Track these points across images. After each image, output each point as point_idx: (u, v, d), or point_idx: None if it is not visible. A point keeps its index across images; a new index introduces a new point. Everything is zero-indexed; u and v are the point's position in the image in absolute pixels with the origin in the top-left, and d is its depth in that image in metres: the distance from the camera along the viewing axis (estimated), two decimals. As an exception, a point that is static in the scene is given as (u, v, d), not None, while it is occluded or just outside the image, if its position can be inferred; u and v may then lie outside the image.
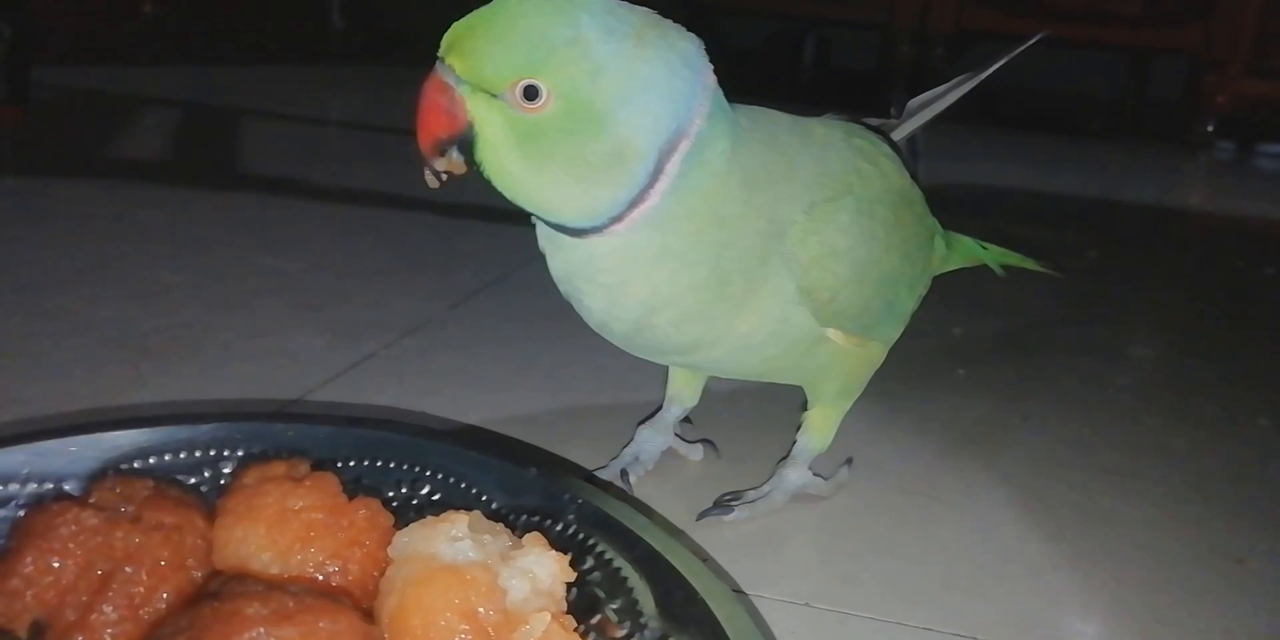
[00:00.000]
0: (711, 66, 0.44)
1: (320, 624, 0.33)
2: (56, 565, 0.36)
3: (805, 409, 0.58)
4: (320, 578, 0.38)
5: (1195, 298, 1.21)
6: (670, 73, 0.42)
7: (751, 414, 0.69)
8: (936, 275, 0.61)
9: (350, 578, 0.38)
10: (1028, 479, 0.64)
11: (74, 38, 2.06)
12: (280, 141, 1.69)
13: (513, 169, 0.42)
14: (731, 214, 0.45)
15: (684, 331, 0.47)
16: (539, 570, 0.37)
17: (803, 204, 0.47)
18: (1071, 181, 2.07)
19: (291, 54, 2.53)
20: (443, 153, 0.43)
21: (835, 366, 0.53)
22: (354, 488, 0.43)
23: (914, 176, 0.58)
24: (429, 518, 0.38)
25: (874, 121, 0.60)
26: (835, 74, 2.93)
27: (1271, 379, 0.88)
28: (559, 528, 0.42)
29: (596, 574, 0.40)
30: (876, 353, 0.55)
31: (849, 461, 0.61)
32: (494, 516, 0.42)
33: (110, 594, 0.36)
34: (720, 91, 0.44)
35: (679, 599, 0.37)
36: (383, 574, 0.37)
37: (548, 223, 0.45)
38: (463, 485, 0.45)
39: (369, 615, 0.36)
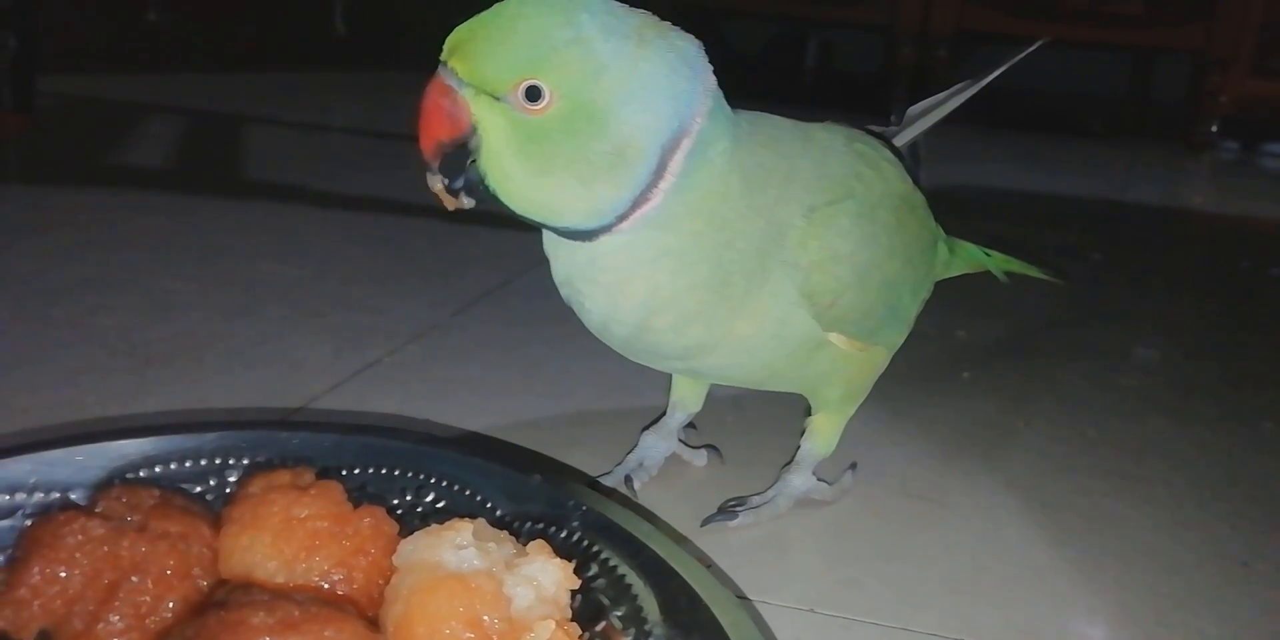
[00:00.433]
0: (711, 67, 0.44)
1: (326, 633, 0.33)
2: (63, 575, 0.36)
3: (809, 414, 0.58)
4: (326, 586, 0.38)
5: (1199, 299, 1.21)
6: (671, 71, 0.42)
7: (755, 419, 0.69)
8: (939, 281, 0.61)
9: (355, 586, 0.38)
10: (1032, 482, 0.64)
11: (78, 45, 2.07)
12: (284, 148, 1.70)
13: (516, 172, 0.42)
14: (732, 214, 0.45)
15: (684, 334, 0.47)
16: (543, 578, 0.37)
17: (803, 207, 0.47)
18: (1074, 183, 2.06)
19: (295, 60, 2.54)
20: (445, 156, 0.43)
21: (838, 372, 0.53)
22: (359, 496, 0.44)
23: (916, 182, 0.58)
24: (433, 526, 0.38)
25: (875, 128, 0.60)
26: (838, 76, 2.93)
27: (1276, 380, 0.88)
28: (563, 535, 0.42)
29: (601, 581, 0.40)
30: (880, 358, 0.55)
31: (853, 466, 0.61)
32: (498, 524, 0.42)
33: (117, 603, 0.36)
34: (720, 92, 0.44)
35: (683, 605, 0.38)
36: (388, 582, 0.37)
37: (553, 229, 0.45)
38: (467, 493, 0.45)
39: (374, 623, 0.36)
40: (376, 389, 0.70)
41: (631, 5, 0.43)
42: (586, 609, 0.39)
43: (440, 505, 0.45)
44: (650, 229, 0.44)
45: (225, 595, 0.36)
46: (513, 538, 0.39)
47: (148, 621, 0.36)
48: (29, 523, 0.39)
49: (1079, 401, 0.79)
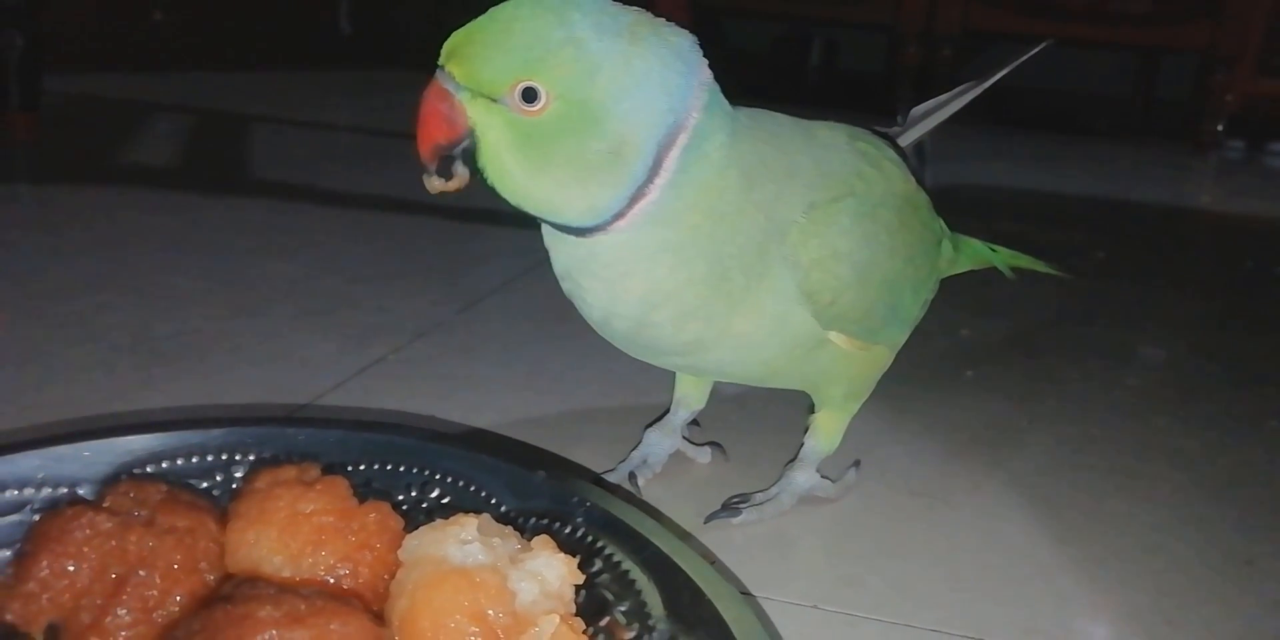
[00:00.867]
0: (706, 62, 0.44)
1: (331, 626, 0.34)
2: (71, 569, 0.37)
3: (812, 412, 0.58)
4: (331, 581, 0.38)
5: (1205, 298, 1.21)
6: (664, 67, 0.42)
7: (759, 417, 0.69)
8: (944, 278, 0.61)
9: (361, 580, 0.38)
10: (1036, 481, 0.64)
11: (84, 44, 2.07)
12: (289, 147, 1.70)
13: (515, 172, 0.42)
14: (730, 209, 0.45)
15: (683, 329, 0.47)
16: (548, 573, 0.37)
17: (803, 204, 0.47)
18: (1080, 182, 2.06)
19: (300, 59, 2.54)
20: (442, 159, 0.43)
21: (839, 370, 0.53)
22: (364, 491, 0.44)
23: (920, 181, 0.58)
24: (439, 521, 0.38)
25: (879, 128, 0.60)
26: (842, 76, 2.93)
27: (1281, 379, 0.88)
28: (567, 530, 0.42)
29: (605, 576, 0.40)
30: (882, 357, 0.55)
31: (856, 463, 0.61)
32: (503, 519, 0.42)
33: (124, 597, 0.37)
34: (717, 86, 0.44)
35: (687, 601, 0.38)
36: (393, 577, 0.38)
37: (552, 224, 0.45)
38: (472, 488, 0.45)
39: (380, 618, 0.37)
40: (382, 386, 0.71)
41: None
42: (591, 604, 0.39)
43: (445, 501, 0.45)
44: (649, 225, 0.44)
45: (232, 589, 0.36)
46: (517, 533, 0.40)
47: (155, 615, 0.37)
48: (37, 517, 0.40)
49: (1082, 400, 0.79)
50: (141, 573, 0.37)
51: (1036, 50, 0.64)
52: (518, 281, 0.96)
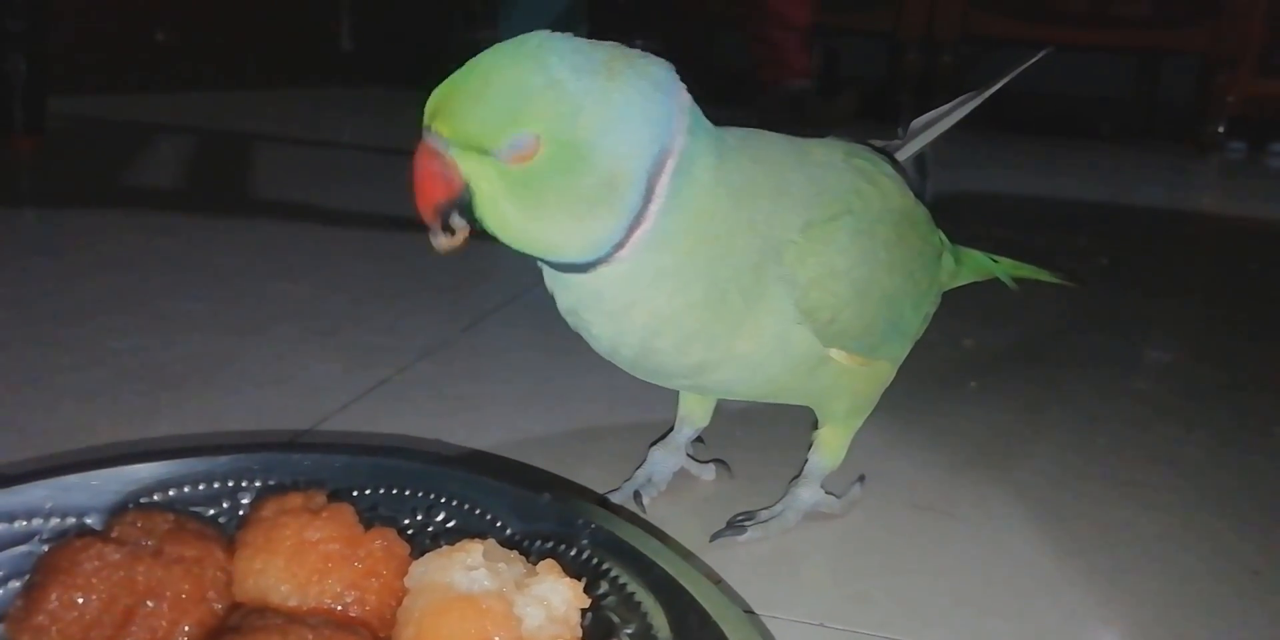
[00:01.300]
0: (684, 86, 0.45)
1: (339, 656, 0.34)
2: (80, 600, 0.37)
3: (816, 427, 0.58)
4: (339, 608, 0.38)
5: (1209, 303, 1.21)
6: (643, 98, 0.43)
7: (763, 433, 0.70)
8: (946, 290, 0.62)
9: (368, 608, 0.38)
10: (1042, 492, 0.64)
11: (88, 67, 2.09)
12: (293, 165, 1.71)
13: (512, 219, 0.43)
14: (722, 229, 0.45)
15: (687, 354, 0.47)
16: (554, 597, 0.38)
17: (798, 223, 0.47)
18: (1082, 186, 2.06)
19: (302, 77, 2.56)
20: (445, 217, 0.44)
21: (842, 386, 0.53)
22: (370, 516, 0.44)
23: (921, 195, 0.58)
24: (444, 547, 0.39)
25: (878, 143, 0.60)
26: (844, 83, 2.93)
27: (1286, 385, 0.88)
28: (573, 553, 0.43)
29: (611, 599, 0.41)
30: (884, 372, 0.55)
31: (861, 478, 0.61)
32: (509, 543, 0.42)
33: (133, 628, 0.37)
34: (698, 109, 0.45)
35: (693, 623, 0.38)
36: (400, 604, 0.38)
37: (554, 264, 0.46)
38: (477, 512, 0.46)
39: (387, 645, 0.37)
40: (387, 407, 0.71)
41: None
42: (597, 627, 0.39)
43: (451, 525, 0.45)
44: (647, 252, 0.44)
45: (240, 619, 0.36)
46: (523, 558, 0.40)
47: (164, 646, 0.37)
48: (46, 548, 0.40)
49: (1087, 409, 0.79)
50: (150, 603, 0.37)
51: (1036, 59, 0.64)
52: (522, 299, 0.96)
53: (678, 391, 0.62)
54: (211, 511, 0.45)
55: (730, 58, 2.96)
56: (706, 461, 0.63)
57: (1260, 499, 0.65)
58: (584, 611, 0.38)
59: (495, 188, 0.42)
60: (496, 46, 0.42)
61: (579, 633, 0.38)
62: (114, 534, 0.40)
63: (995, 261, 0.68)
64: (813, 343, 0.49)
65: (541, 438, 0.68)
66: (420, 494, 0.46)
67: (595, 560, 0.42)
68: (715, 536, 0.56)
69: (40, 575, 0.38)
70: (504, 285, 1.00)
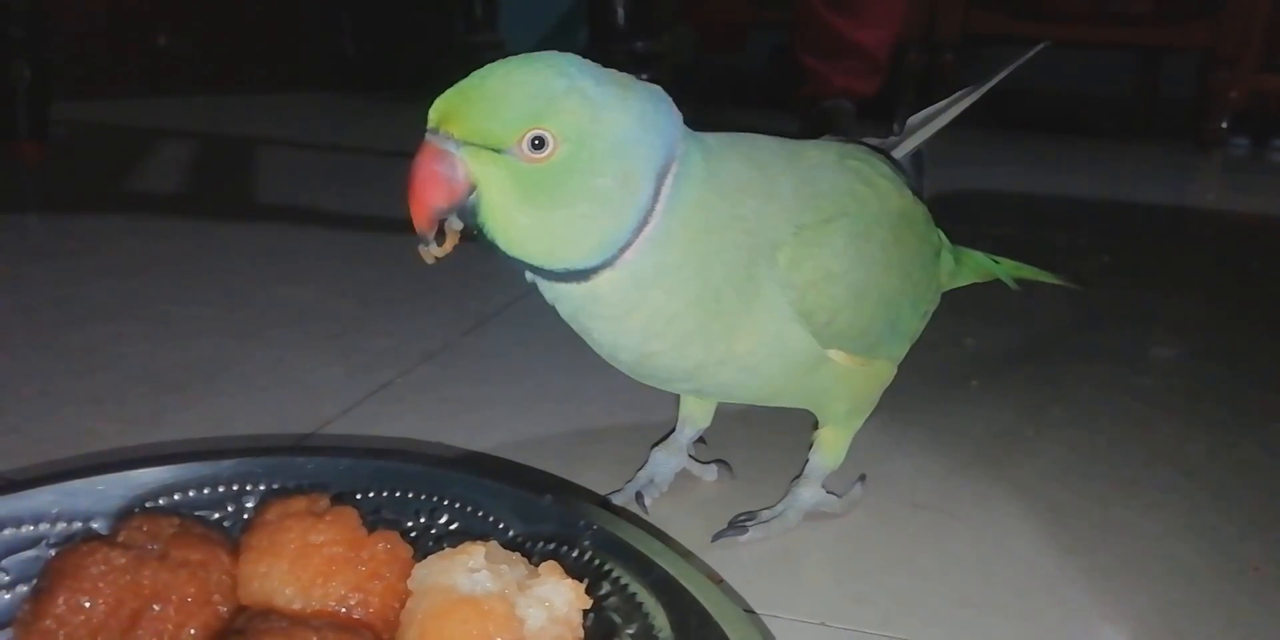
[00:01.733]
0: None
1: (343, 658, 0.34)
2: (87, 604, 0.37)
3: (817, 428, 0.58)
4: (342, 611, 0.39)
5: (1211, 300, 1.20)
6: (655, 107, 0.45)
7: (764, 433, 0.70)
8: (946, 291, 0.62)
9: (371, 610, 0.39)
10: (1042, 491, 0.64)
11: (90, 72, 2.09)
12: (295, 169, 1.72)
13: (522, 220, 0.43)
14: (714, 222, 0.46)
15: (684, 355, 0.48)
16: (555, 598, 0.38)
17: (791, 225, 0.48)
18: (1084, 184, 2.06)
19: (305, 81, 2.57)
20: (440, 223, 0.44)
21: (841, 387, 0.53)
22: (374, 519, 0.44)
23: (918, 193, 0.58)
24: (447, 550, 0.39)
25: (873, 141, 0.60)
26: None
27: (1288, 382, 0.88)
28: (575, 554, 0.43)
29: (613, 599, 0.41)
30: (884, 372, 0.56)
31: (862, 478, 0.61)
32: (511, 545, 0.42)
33: (140, 631, 0.37)
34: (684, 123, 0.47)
35: (694, 623, 0.38)
36: (403, 606, 0.38)
37: (554, 273, 0.46)
38: (480, 514, 0.46)
39: (390, 647, 0.37)
40: (389, 410, 0.71)
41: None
42: (599, 628, 0.40)
43: (454, 527, 0.46)
44: (650, 251, 0.45)
45: (245, 622, 0.37)
46: (525, 559, 0.40)
47: (170, 649, 0.37)
48: (53, 553, 0.40)
49: (1089, 408, 0.80)
50: (156, 607, 0.38)
51: (1031, 54, 0.64)
52: (523, 301, 0.97)
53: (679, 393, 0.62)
54: (216, 515, 0.45)
55: (731, 59, 2.96)
56: (708, 462, 0.63)
57: (1261, 497, 0.65)
58: (586, 612, 0.39)
59: (505, 189, 0.43)
60: (510, 58, 0.44)
61: (581, 633, 0.38)
62: (120, 538, 0.40)
63: (996, 262, 0.68)
64: (810, 342, 0.49)
65: (543, 439, 0.68)
66: (423, 497, 0.47)
67: (597, 561, 0.42)
68: (717, 536, 0.56)
69: (47, 580, 0.38)
70: (505, 288, 1.00)
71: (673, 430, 0.62)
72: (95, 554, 0.38)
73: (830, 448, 0.58)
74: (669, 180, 0.45)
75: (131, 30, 2.22)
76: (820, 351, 0.50)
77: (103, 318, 0.87)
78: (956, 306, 0.68)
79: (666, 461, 0.61)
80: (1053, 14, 2.61)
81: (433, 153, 0.43)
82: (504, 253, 0.45)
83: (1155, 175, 2.28)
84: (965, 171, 1.91)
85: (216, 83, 2.39)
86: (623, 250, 0.45)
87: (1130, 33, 2.65)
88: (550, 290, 0.48)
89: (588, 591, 0.39)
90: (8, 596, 0.41)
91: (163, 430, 0.66)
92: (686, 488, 0.62)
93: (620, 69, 0.46)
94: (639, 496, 0.59)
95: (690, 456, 0.63)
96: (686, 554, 0.54)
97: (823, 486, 0.59)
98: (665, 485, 0.60)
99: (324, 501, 0.42)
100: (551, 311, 0.50)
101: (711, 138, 0.48)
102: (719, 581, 0.51)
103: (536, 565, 0.39)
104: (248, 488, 0.46)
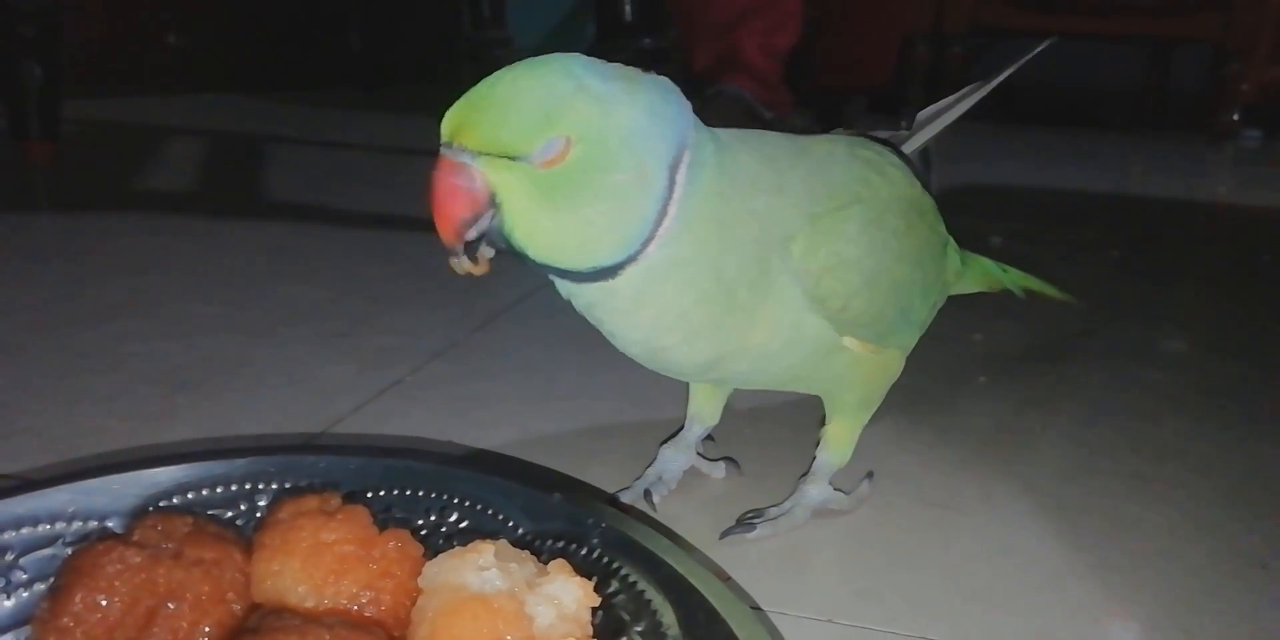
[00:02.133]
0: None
1: (355, 655, 0.35)
2: (103, 603, 0.38)
3: (824, 425, 0.59)
4: (354, 609, 0.39)
5: (1220, 294, 1.20)
6: (664, 100, 0.45)
7: (772, 431, 0.70)
8: (954, 296, 0.62)
9: (383, 608, 0.39)
10: (1050, 487, 0.65)
11: (100, 70, 2.10)
12: (304, 167, 1.72)
13: (545, 224, 0.43)
14: (728, 217, 0.46)
15: (696, 349, 0.48)
16: (565, 596, 0.38)
17: (803, 216, 0.48)
18: (1093, 177, 2.05)
19: (312, 78, 2.57)
20: (466, 235, 0.44)
21: (854, 374, 0.54)
22: (384, 518, 0.45)
23: (926, 186, 0.58)
24: (457, 548, 0.39)
25: (883, 134, 0.61)
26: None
27: (1297, 377, 0.88)
28: (584, 552, 0.43)
29: (621, 597, 0.41)
30: (894, 361, 0.56)
31: (870, 475, 0.62)
32: (520, 543, 0.43)
33: (155, 629, 0.38)
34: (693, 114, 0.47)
35: (702, 620, 0.39)
36: (414, 604, 0.39)
37: (583, 274, 0.46)
38: (490, 512, 0.46)
39: (402, 644, 0.37)
40: (400, 408, 0.72)
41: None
42: (608, 625, 0.40)
43: (464, 525, 0.46)
44: (671, 242, 0.45)
45: (258, 620, 0.37)
46: (534, 557, 0.40)
47: (185, 646, 0.38)
48: (69, 551, 0.41)
49: (1097, 403, 0.80)
50: (171, 605, 0.38)
51: (1039, 49, 0.64)
52: (533, 298, 0.97)
53: (687, 389, 0.62)
54: (229, 514, 0.46)
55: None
56: (717, 459, 0.64)
57: (1269, 493, 0.65)
58: (595, 610, 0.39)
59: (527, 194, 0.43)
60: (514, 65, 0.44)
61: (590, 631, 0.38)
62: (135, 537, 0.41)
63: (1004, 271, 0.68)
64: (826, 330, 0.50)
65: (553, 437, 0.68)
66: (433, 495, 0.47)
67: (605, 559, 0.43)
68: (725, 534, 0.56)
69: (64, 578, 0.39)
70: (515, 284, 1.00)
71: (681, 428, 0.63)
72: (111, 553, 0.39)
73: (838, 444, 0.58)
74: (682, 170, 0.45)
75: (141, 28, 2.23)
76: (835, 339, 0.50)
77: (113, 316, 0.88)
78: (964, 302, 0.68)
79: (675, 459, 0.62)
80: (1062, 6, 2.60)
81: (449, 167, 0.43)
82: (534, 261, 0.45)
83: (1165, 168, 2.27)
84: (974, 165, 1.90)
85: (224, 80, 2.39)
86: (645, 244, 0.45)
87: (1140, 24, 2.64)
88: (566, 286, 0.48)
89: (596, 589, 0.39)
90: (25, 594, 0.41)
91: (174, 429, 0.66)
92: (695, 485, 0.62)
93: (628, 65, 0.46)
94: (647, 494, 0.59)
95: (699, 454, 0.63)
96: (694, 551, 0.54)
97: (830, 484, 0.59)
98: (673, 483, 0.61)
99: (336, 500, 0.43)
100: (560, 309, 0.50)
101: (725, 134, 0.48)
102: (727, 579, 0.52)
103: (546, 563, 0.40)
104: (260, 487, 0.47)
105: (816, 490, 0.58)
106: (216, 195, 1.48)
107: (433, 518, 0.47)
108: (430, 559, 0.40)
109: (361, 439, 0.66)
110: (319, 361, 0.80)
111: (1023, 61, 0.63)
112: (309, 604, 0.39)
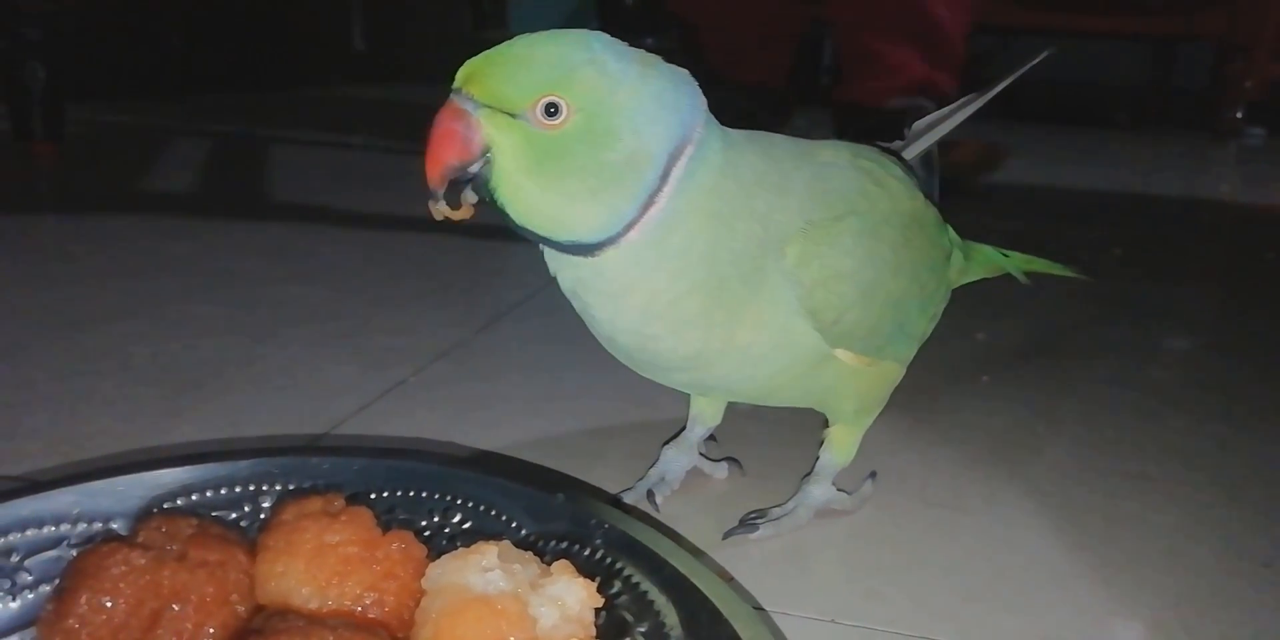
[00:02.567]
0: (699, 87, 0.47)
1: (359, 656, 0.35)
2: (108, 604, 0.38)
3: (827, 425, 0.59)
4: (358, 610, 0.39)
5: (1224, 292, 1.20)
6: (675, 88, 0.45)
7: (775, 431, 0.70)
8: (956, 295, 0.62)
9: (386, 609, 0.39)
10: (1053, 487, 0.65)
11: (104, 71, 2.11)
12: (306, 167, 1.73)
13: (530, 188, 0.44)
14: (727, 210, 0.46)
15: (682, 340, 0.48)
16: (568, 597, 0.38)
17: (801, 220, 0.48)
18: (1097, 175, 2.05)
19: (315, 77, 2.57)
20: (450, 184, 0.44)
21: (847, 386, 0.54)
22: (388, 519, 0.45)
23: (929, 194, 0.58)
24: (460, 549, 0.39)
25: (883, 144, 0.61)
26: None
27: (1301, 375, 0.88)
28: (587, 553, 0.43)
29: (624, 598, 0.41)
30: (891, 372, 0.56)
31: (872, 475, 0.62)
32: (523, 544, 0.43)
33: (160, 631, 0.38)
34: (708, 110, 0.47)
35: (705, 621, 0.39)
36: (418, 605, 0.39)
37: (561, 244, 0.46)
38: (493, 513, 0.46)
39: (405, 646, 0.38)
40: (403, 409, 0.72)
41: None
42: (611, 626, 0.40)
43: (467, 526, 0.46)
44: (656, 231, 0.45)
45: (263, 622, 0.37)
46: (537, 558, 0.40)
47: (190, 647, 0.38)
48: (74, 553, 0.41)
49: (1100, 402, 0.80)
50: (175, 607, 0.38)
51: (1039, 60, 0.64)
52: (536, 298, 0.97)
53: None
54: (233, 515, 0.46)
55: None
56: (719, 460, 0.64)
57: (1273, 491, 0.65)
58: (598, 611, 0.39)
59: (517, 153, 0.43)
60: (539, 32, 0.44)
61: (593, 632, 0.38)
62: (139, 539, 0.41)
63: (1006, 256, 0.68)
64: (816, 339, 0.49)
65: (556, 437, 0.68)
66: (436, 496, 0.47)
67: (608, 560, 0.43)
68: (728, 534, 0.56)
69: (70, 580, 0.39)
70: (518, 282, 1.00)
71: (684, 428, 0.63)
72: (116, 554, 0.39)
73: (840, 445, 0.58)
74: (681, 162, 0.45)
75: (143, 29, 2.23)
76: (826, 350, 0.50)
77: (117, 318, 0.88)
78: (967, 300, 0.68)
79: (677, 459, 0.62)
80: (1065, 4, 2.59)
81: (452, 111, 0.43)
82: (513, 222, 0.45)
83: (1169, 166, 2.26)
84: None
85: (227, 81, 2.40)
86: (628, 228, 0.45)
87: (1144, 22, 2.64)
88: (554, 261, 0.48)
89: (599, 590, 0.39)
90: (31, 596, 0.42)
91: (178, 430, 0.67)
92: (697, 485, 0.62)
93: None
94: (650, 494, 0.59)
95: (701, 454, 0.63)
96: (697, 552, 0.54)
97: (833, 484, 0.59)
98: (676, 483, 0.61)
99: (339, 501, 0.43)
100: (563, 309, 0.50)
101: (736, 133, 0.48)
102: (729, 579, 0.52)
103: (549, 564, 0.40)
104: (264, 488, 0.47)
105: (819, 490, 0.58)
106: (220, 196, 1.49)
107: (436, 519, 0.47)
108: (434, 560, 0.40)
109: (365, 440, 0.67)
110: (322, 362, 0.80)
111: (1021, 72, 0.63)
112: (313, 605, 0.39)
